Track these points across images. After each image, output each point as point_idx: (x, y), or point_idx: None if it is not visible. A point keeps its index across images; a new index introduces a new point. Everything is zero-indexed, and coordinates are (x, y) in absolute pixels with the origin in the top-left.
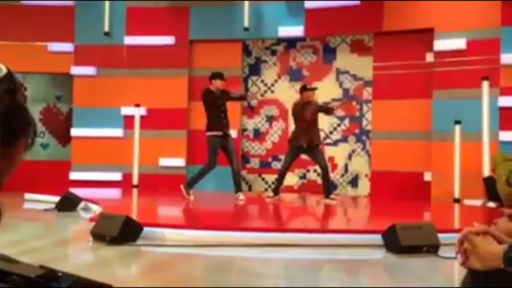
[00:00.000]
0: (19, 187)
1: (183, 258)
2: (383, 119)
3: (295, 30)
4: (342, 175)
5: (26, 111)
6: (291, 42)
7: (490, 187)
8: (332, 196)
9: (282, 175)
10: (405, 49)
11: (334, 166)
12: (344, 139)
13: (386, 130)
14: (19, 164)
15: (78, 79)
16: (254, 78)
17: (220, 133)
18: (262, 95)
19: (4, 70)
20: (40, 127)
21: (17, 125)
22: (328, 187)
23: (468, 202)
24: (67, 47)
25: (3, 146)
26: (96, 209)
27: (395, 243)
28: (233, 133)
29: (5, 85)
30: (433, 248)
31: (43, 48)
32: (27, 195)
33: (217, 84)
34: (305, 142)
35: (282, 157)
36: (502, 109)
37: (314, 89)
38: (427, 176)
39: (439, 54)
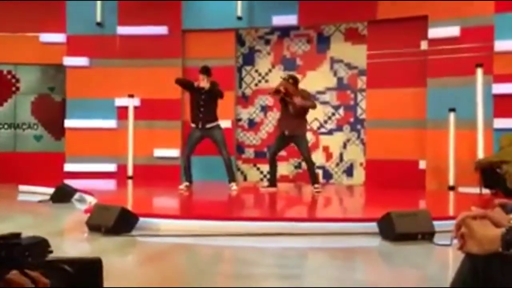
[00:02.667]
0: (14, 179)
1: (179, 248)
2: (377, 107)
3: (289, 19)
4: (337, 164)
5: None
6: (284, 31)
7: (484, 174)
8: (316, 185)
9: (270, 162)
10: (399, 37)
11: (329, 155)
12: (339, 128)
13: (380, 119)
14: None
15: (70, 70)
16: (247, 67)
17: (194, 125)
18: (256, 84)
19: None
20: (32, 119)
21: None
22: (314, 178)
23: (462, 189)
24: (59, 37)
25: None
26: (91, 200)
27: (390, 230)
28: (227, 123)
29: None
30: (428, 235)
31: (35, 39)
32: (22, 187)
33: (199, 77)
34: (286, 130)
35: None
36: (496, 96)
37: (292, 78)
38: (422, 164)
39: (433, 42)
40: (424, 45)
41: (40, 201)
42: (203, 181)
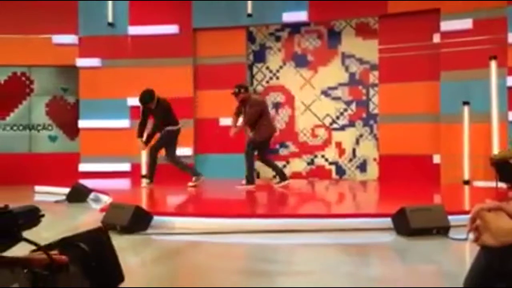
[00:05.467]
0: (30, 180)
1: (193, 246)
2: (390, 102)
3: (299, 15)
4: (350, 160)
5: None
6: (295, 28)
7: (500, 168)
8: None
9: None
10: (411, 31)
11: (342, 151)
12: (351, 124)
13: (393, 114)
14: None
15: (83, 71)
16: (259, 65)
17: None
18: (267, 82)
19: None
20: (47, 120)
21: None
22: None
23: (478, 183)
24: (71, 39)
25: None
26: (106, 199)
27: (405, 225)
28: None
29: None
30: (443, 230)
31: (47, 41)
32: (38, 188)
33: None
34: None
35: (290, 143)
36: (511, 89)
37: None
38: (436, 159)
39: (446, 35)
40: (436, 38)
41: (56, 201)
42: (216, 179)
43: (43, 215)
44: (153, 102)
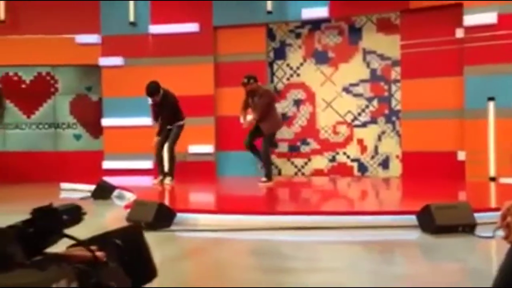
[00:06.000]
0: (55, 177)
1: (216, 242)
2: (413, 98)
3: (319, 11)
4: (372, 157)
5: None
6: (315, 24)
7: None
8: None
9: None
10: (433, 25)
11: (364, 148)
12: (373, 121)
13: (416, 110)
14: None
15: (106, 69)
16: (279, 62)
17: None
18: (288, 79)
19: None
20: (71, 118)
21: None
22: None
23: (504, 180)
24: (94, 38)
25: None
26: (130, 196)
27: (430, 223)
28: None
29: None
30: (469, 228)
31: (70, 40)
32: (63, 185)
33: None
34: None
35: (311, 140)
36: None
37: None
38: (461, 156)
39: (470, 30)
40: (459, 33)
41: (81, 198)
42: (237, 176)
43: (85, 213)
44: (158, 94)
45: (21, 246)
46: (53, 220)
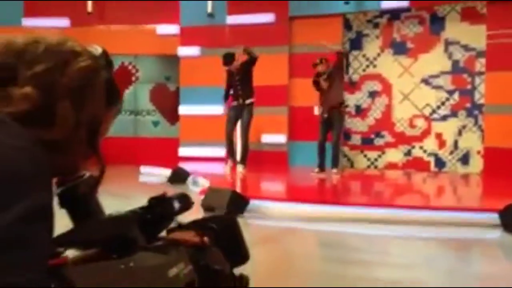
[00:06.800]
0: (135, 161)
1: (287, 231)
2: (498, 91)
3: (399, 2)
4: (451, 152)
5: (116, 84)
6: (394, 14)
7: None
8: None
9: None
10: None
11: (442, 143)
12: (454, 114)
13: (502, 104)
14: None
15: (184, 59)
16: (355, 53)
17: (235, 103)
18: (364, 70)
19: (100, 50)
20: (151, 106)
21: (114, 93)
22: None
23: None
24: (174, 29)
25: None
26: (204, 183)
27: None
28: None
29: (103, 60)
30: None
31: (152, 31)
32: (143, 169)
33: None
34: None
35: (385, 133)
36: None
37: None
38: None
39: None
40: None
41: (158, 182)
42: (310, 166)
43: (193, 202)
44: (233, 62)
45: (140, 231)
46: (167, 208)
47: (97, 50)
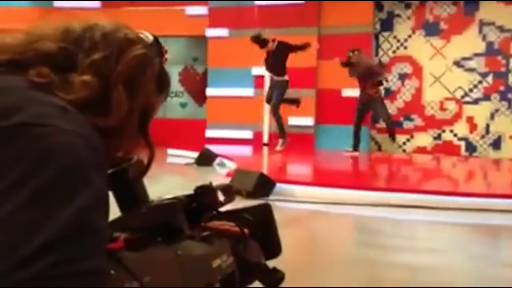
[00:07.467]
0: (162, 142)
1: (314, 215)
2: None
3: None
4: (483, 137)
5: (167, 71)
6: None
7: None
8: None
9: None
10: None
11: (474, 127)
12: (486, 97)
13: None
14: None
15: (212, 40)
16: (385, 34)
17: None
18: (394, 51)
19: (151, 37)
20: (179, 87)
21: (164, 80)
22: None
23: None
24: (202, 10)
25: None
26: (231, 165)
27: None
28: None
29: (155, 49)
30: None
31: (181, 12)
32: (170, 150)
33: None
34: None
35: (415, 116)
36: None
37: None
38: None
39: None
40: None
41: (186, 164)
42: (337, 150)
43: (236, 195)
44: (269, 43)
45: (185, 219)
46: (212, 199)
47: (149, 37)
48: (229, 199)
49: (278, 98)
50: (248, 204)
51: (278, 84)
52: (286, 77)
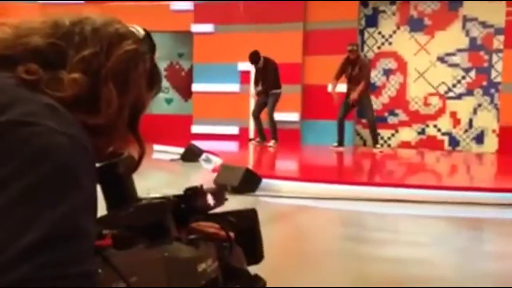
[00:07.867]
0: (148, 138)
1: (300, 210)
2: None
3: None
4: (466, 131)
5: (158, 67)
6: None
7: None
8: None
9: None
10: None
11: (457, 121)
12: (469, 93)
13: None
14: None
15: (197, 36)
16: (370, 30)
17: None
18: (379, 47)
19: (142, 32)
20: (164, 83)
21: (155, 76)
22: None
23: None
24: (187, 5)
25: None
26: (216, 160)
27: None
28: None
29: (146, 44)
30: None
31: (165, 7)
32: (156, 146)
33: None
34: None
35: (399, 111)
36: None
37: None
38: None
39: None
40: None
41: (171, 160)
42: (323, 145)
43: (227, 199)
44: (259, 62)
45: (173, 220)
46: (202, 202)
47: (140, 32)
48: (219, 203)
49: (273, 106)
50: (235, 200)
51: (271, 96)
52: (279, 90)
